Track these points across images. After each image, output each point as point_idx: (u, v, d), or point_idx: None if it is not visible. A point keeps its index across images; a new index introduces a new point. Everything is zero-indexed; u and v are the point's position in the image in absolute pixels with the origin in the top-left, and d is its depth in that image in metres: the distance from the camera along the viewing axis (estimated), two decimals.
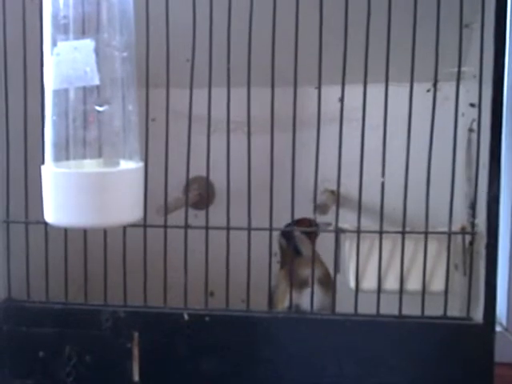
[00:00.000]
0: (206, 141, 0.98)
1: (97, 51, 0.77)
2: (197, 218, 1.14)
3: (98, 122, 0.79)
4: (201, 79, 0.97)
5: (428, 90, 0.99)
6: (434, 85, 0.98)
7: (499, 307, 1.15)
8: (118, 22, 0.79)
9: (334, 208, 1.04)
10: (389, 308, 0.99)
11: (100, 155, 0.82)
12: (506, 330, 1.16)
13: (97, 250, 1.01)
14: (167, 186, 1.00)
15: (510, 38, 1.10)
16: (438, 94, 1.01)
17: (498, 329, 1.12)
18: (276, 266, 1.09)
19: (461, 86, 0.97)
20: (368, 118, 0.97)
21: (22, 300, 1.03)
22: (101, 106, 0.78)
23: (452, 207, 0.97)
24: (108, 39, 0.78)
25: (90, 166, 0.81)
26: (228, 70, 0.96)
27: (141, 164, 0.84)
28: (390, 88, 0.96)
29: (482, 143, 0.98)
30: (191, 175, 1.01)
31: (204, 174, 1.00)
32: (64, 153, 0.80)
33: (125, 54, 0.80)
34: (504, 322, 1.17)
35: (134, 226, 0.90)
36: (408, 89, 0.96)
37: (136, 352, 0.99)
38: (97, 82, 0.77)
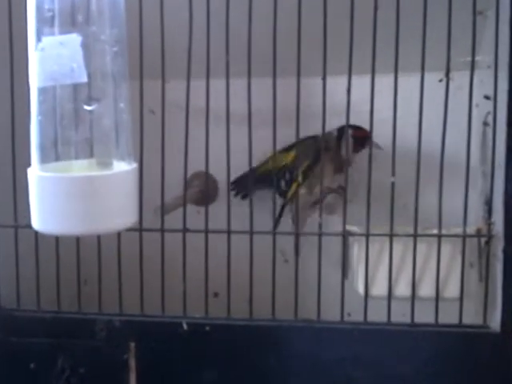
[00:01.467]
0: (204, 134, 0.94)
1: (85, 46, 0.71)
2: (200, 214, 1.06)
3: (87, 121, 0.74)
4: (203, 70, 0.92)
5: (440, 80, 0.93)
6: (447, 74, 0.92)
7: None
8: (108, 14, 0.74)
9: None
10: (400, 315, 0.94)
11: (92, 155, 0.77)
12: None
13: (90, 255, 0.96)
14: (164, 185, 0.95)
15: None
16: (451, 83, 0.96)
17: None
18: (281, 266, 1.02)
19: (474, 77, 0.92)
20: (377, 110, 0.92)
21: (12, 308, 0.99)
22: (90, 104, 0.73)
23: (466, 207, 0.92)
24: (97, 33, 0.73)
25: (81, 167, 0.76)
26: (227, 62, 0.91)
27: (134, 165, 0.79)
28: (401, 78, 0.92)
29: (497, 139, 0.93)
30: (193, 171, 0.96)
31: (203, 168, 0.96)
32: (51, 154, 0.75)
33: (115, 49, 0.75)
34: None
35: (129, 230, 0.84)
36: (420, 79, 0.91)
37: (132, 363, 0.95)
38: (84, 79, 0.72)
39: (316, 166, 1.07)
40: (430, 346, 0.93)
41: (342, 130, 1.10)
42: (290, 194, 1.12)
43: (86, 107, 0.73)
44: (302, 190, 1.08)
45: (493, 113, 0.93)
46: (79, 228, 0.74)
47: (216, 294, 1.02)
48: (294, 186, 1.10)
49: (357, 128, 1.05)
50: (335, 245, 0.97)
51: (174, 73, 0.93)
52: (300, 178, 1.09)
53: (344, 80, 0.91)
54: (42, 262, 0.97)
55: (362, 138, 1.05)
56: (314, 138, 1.09)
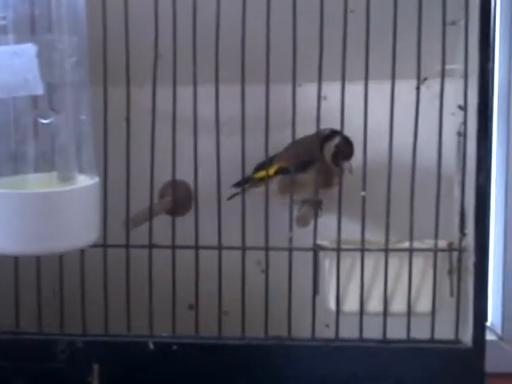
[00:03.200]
0: (182, 142, 0.91)
1: (42, 56, 0.69)
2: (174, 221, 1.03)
3: (45, 133, 0.72)
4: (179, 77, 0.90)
5: (417, 88, 0.92)
6: (418, 84, 0.91)
7: (493, 315, 1.12)
8: (67, 22, 0.72)
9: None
10: (373, 331, 0.92)
11: (53, 169, 0.75)
12: (501, 339, 1.11)
13: (52, 272, 0.93)
14: (129, 198, 0.92)
15: (500, 34, 1.05)
16: (428, 91, 0.97)
17: (492, 338, 1.09)
18: (259, 276, 1.00)
19: (450, 85, 0.92)
20: (353, 117, 0.91)
21: None
22: (47, 117, 0.71)
23: (438, 220, 0.91)
24: (55, 42, 0.71)
25: (40, 181, 0.74)
26: (194, 72, 0.89)
27: (96, 179, 0.77)
28: (376, 86, 0.91)
29: (468, 149, 0.92)
30: (165, 179, 0.95)
31: (180, 177, 0.95)
32: (6, 168, 0.73)
33: (75, 58, 0.73)
34: (498, 330, 1.12)
35: (93, 246, 0.82)
36: (397, 86, 0.90)
37: None
38: (40, 90, 0.69)
39: (300, 173, 0.99)
40: (403, 362, 0.91)
41: (327, 137, 1.01)
42: (256, 175, 1.04)
43: (43, 120, 0.71)
44: (274, 186, 1.03)
45: (464, 123, 0.92)
46: (37, 248, 0.72)
47: (191, 307, 0.98)
48: (262, 173, 1.01)
49: (345, 140, 1.00)
50: (305, 260, 0.94)
51: (148, 79, 0.90)
52: (272, 171, 1.02)
53: (324, 86, 0.90)
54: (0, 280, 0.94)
55: (345, 153, 1.00)
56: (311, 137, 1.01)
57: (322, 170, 0.97)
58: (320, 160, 0.98)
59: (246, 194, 0.96)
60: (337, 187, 0.95)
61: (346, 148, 0.99)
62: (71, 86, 0.73)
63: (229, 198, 1.00)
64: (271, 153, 0.97)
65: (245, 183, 0.99)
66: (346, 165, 0.98)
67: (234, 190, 1.02)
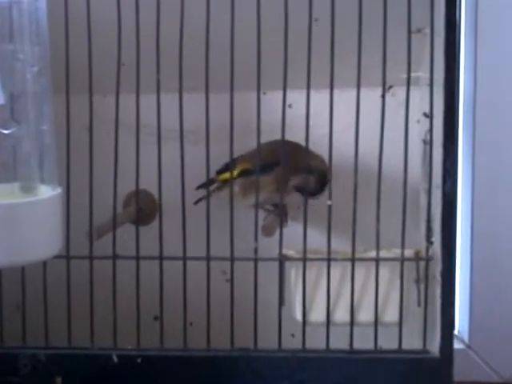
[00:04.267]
0: (146, 151, 0.90)
1: (3, 66, 0.69)
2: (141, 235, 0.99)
3: (6, 144, 0.71)
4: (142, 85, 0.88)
5: (382, 96, 0.92)
6: (383, 92, 0.90)
7: (460, 323, 1.13)
8: (29, 31, 0.71)
9: None
10: (340, 342, 0.92)
11: (15, 179, 0.74)
12: (469, 347, 1.12)
13: (13, 283, 0.91)
14: (92, 208, 0.91)
15: (465, 41, 1.06)
16: (394, 99, 0.97)
17: (460, 346, 1.10)
18: (224, 285, 0.99)
19: (415, 93, 0.92)
20: (320, 125, 0.91)
21: None
22: (8, 127, 0.70)
23: (404, 229, 0.90)
24: (16, 51, 0.70)
25: (1, 192, 0.73)
26: (157, 76, 0.88)
27: (58, 190, 0.76)
28: (341, 94, 0.91)
29: (434, 158, 0.91)
30: (129, 189, 0.94)
31: (144, 186, 0.94)
32: None
33: (37, 68, 0.72)
34: (466, 339, 1.13)
35: (56, 257, 0.80)
36: (363, 94, 0.89)
37: None
38: (1, 101, 0.69)
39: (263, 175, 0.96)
40: (370, 373, 0.91)
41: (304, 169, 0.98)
42: (219, 177, 1.04)
43: (4, 131, 0.69)
44: (236, 188, 1.01)
45: (429, 131, 0.92)
46: None
47: (156, 318, 0.97)
48: (226, 174, 1.00)
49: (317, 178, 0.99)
50: (271, 270, 0.93)
51: (110, 88, 0.89)
52: (236, 172, 1.00)
53: (289, 95, 0.89)
54: None
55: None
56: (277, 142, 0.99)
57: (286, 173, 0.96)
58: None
59: (212, 198, 0.95)
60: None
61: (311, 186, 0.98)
62: (33, 96, 0.72)
63: (195, 202, 1.00)
64: None
65: (209, 185, 0.98)
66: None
67: (200, 196, 1.01)
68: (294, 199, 1.00)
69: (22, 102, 0.71)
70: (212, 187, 1.02)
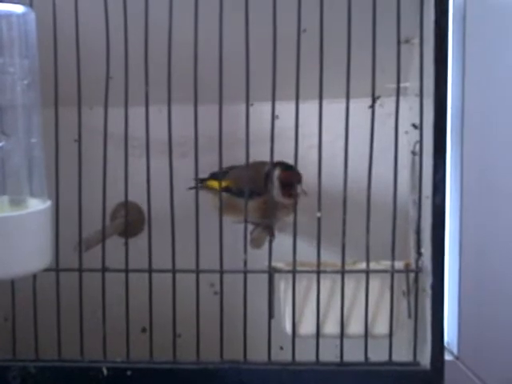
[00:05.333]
0: (134, 163, 0.91)
1: None
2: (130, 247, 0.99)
3: None
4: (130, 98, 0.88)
5: (370, 106, 0.92)
6: (372, 103, 0.90)
7: (449, 335, 1.12)
8: (18, 45, 0.71)
9: None
10: (330, 354, 0.92)
11: (4, 192, 0.74)
12: (457, 358, 1.11)
13: (2, 295, 0.91)
14: (81, 221, 0.90)
15: (453, 52, 1.06)
16: (381, 110, 0.97)
17: (449, 358, 1.09)
18: (212, 299, 0.99)
19: (403, 103, 0.92)
20: (307, 135, 0.91)
21: None
22: None
23: (394, 241, 0.90)
24: (6, 65, 0.70)
25: None
26: (146, 88, 0.87)
27: (48, 203, 0.76)
28: (329, 105, 0.90)
29: (424, 169, 0.91)
30: (117, 201, 0.93)
31: (133, 198, 0.93)
32: None
33: (26, 81, 0.72)
34: (455, 350, 1.12)
35: (45, 270, 0.80)
36: (351, 105, 0.89)
37: None
38: None
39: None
40: None
41: (267, 174, 0.99)
42: (208, 183, 1.04)
43: None
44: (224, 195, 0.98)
45: (419, 142, 0.92)
46: None
47: (144, 330, 0.97)
48: (214, 183, 1.01)
49: (286, 168, 0.99)
50: (260, 282, 0.93)
51: (98, 100, 0.89)
52: (225, 184, 0.99)
53: (276, 106, 0.89)
54: None
55: (288, 183, 0.98)
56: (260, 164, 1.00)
57: (267, 203, 0.96)
58: (265, 194, 0.97)
59: (200, 193, 0.94)
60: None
61: (288, 176, 0.98)
62: (22, 109, 0.72)
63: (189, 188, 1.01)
64: None
65: (200, 182, 0.99)
66: (298, 189, 0.97)
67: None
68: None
69: (11, 115, 0.71)
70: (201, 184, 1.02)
